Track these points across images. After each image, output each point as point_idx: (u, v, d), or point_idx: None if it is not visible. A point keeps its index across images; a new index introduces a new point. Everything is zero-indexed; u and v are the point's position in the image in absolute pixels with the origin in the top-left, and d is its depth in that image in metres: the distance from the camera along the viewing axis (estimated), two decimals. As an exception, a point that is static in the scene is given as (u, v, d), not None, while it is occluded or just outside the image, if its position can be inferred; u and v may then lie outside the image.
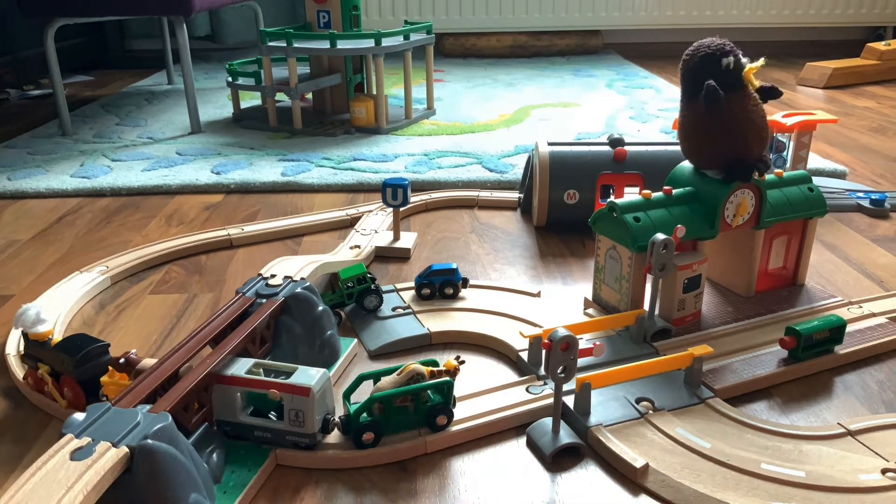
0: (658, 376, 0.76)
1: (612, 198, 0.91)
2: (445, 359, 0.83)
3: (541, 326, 0.86)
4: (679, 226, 0.82)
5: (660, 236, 0.79)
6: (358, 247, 1.10)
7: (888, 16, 3.15)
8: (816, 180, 1.14)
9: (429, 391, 0.69)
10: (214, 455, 0.64)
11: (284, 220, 1.24)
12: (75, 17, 1.75)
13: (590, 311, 0.92)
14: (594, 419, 0.70)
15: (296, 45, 1.72)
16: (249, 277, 0.90)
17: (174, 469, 0.54)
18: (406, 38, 1.82)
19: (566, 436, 0.68)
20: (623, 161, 1.15)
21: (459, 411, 0.71)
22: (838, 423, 0.70)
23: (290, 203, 1.36)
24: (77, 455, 0.52)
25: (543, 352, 0.76)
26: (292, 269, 0.86)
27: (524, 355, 0.81)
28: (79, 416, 0.56)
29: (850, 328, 0.85)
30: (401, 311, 0.92)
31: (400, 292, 0.97)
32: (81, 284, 1.00)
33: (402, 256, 1.12)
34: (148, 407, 0.58)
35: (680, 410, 0.72)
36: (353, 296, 0.91)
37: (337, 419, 0.68)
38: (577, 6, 3.04)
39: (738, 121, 0.83)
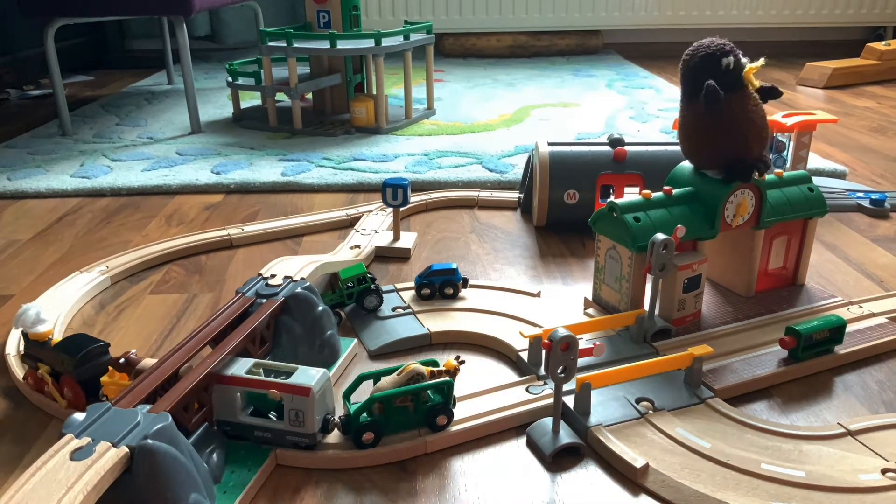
0: (658, 376, 0.76)
1: (612, 198, 0.91)
2: (445, 359, 0.83)
3: (541, 326, 0.86)
4: (679, 226, 0.82)
5: (660, 236, 0.79)
6: (358, 247, 1.10)
7: (888, 16, 3.15)
8: (816, 180, 1.14)
9: (429, 391, 0.69)
10: (214, 455, 0.64)
11: (284, 220, 1.24)
12: (75, 17, 1.75)
13: (590, 311, 0.92)
14: (594, 419, 0.70)
15: (296, 45, 1.72)
16: (249, 277, 0.90)
17: (174, 469, 0.54)
18: (406, 38, 1.82)
19: (566, 436, 0.68)
20: (623, 161, 1.15)
21: (459, 411, 0.71)
22: (838, 423, 0.70)
23: (290, 203, 1.36)
24: (77, 455, 0.52)
25: (543, 352, 0.76)
26: (292, 269, 0.86)
27: (524, 355, 0.81)
28: (79, 416, 0.56)
29: (850, 328, 0.85)
30: (401, 311, 0.92)
31: (400, 292, 0.97)
32: (81, 284, 1.00)
33: (402, 256, 1.12)
34: (148, 407, 0.58)
35: (680, 410, 0.72)
36: (353, 296, 0.91)
37: (337, 419, 0.68)
38: (577, 6, 3.04)
39: (738, 121, 0.83)
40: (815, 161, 1.52)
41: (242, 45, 3.23)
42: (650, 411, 0.71)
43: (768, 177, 0.90)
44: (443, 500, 0.63)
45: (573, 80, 2.52)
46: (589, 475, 0.66)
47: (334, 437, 0.68)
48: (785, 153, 1.34)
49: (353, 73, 1.92)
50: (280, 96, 1.94)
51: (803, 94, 2.31)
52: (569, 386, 0.71)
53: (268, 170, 1.51)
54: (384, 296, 0.94)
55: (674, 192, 0.88)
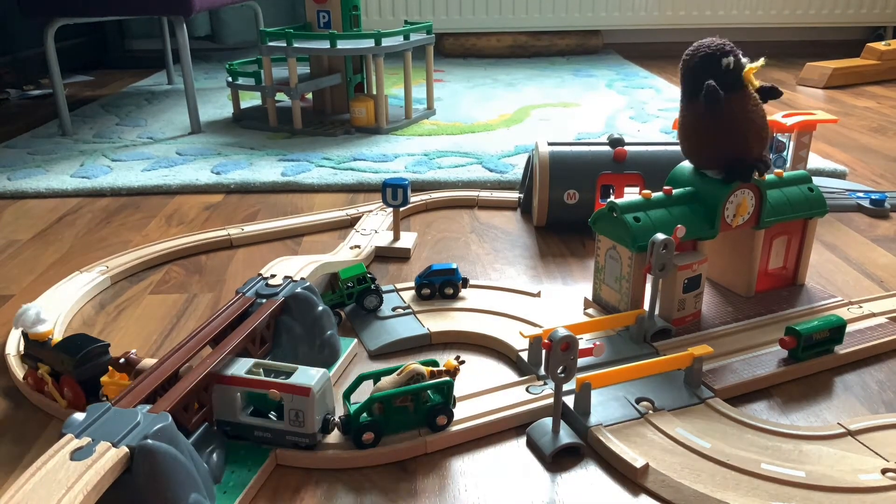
0: (658, 376, 0.76)
1: (612, 198, 0.91)
2: (445, 359, 0.83)
3: (541, 326, 0.86)
4: (679, 226, 0.82)
5: (660, 236, 0.79)
6: (358, 247, 1.10)
7: (888, 16, 3.15)
8: (816, 180, 1.14)
9: (429, 391, 0.69)
10: (214, 455, 0.64)
11: (284, 220, 1.24)
12: (75, 17, 1.75)
13: (590, 311, 0.92)
14: (594, 419, 0.70)
15: (296, 45, 1.72)
16: (249, 277, 0.90)
17: (174, 469, 0.54)
18: (406, 38, 1.82)
19: (566, 436, 0.68)
20: (623, 161, 1.15)
21: (459, 411, 0.71)
22: (838, 423, 0.70)
23: (290, 203, 1.36)
24: (77, 455, 0.52)
25: (543, 352, 0.76)
26: (292, 269, 0.86)
27: (524, 355, 0.81)
28: (79, 416, 0.56)
29: (850, 328, 0.85)
30: (401, 311, 0.92)
31: (400, 292, 0.97)
32: (81, 284, 1.00)
33: (402, 256, 1.12)
34: (148, 407, 0.58)
35: (680, 410, 0.72)
36: (353, 296, 0.91)
37: (337, 419, 0.68)
38: (577, 6, 3.04)
39: (738, 121, 0.83)
40: (815, 161, 1.52)
41: (242, 45, 3.23)
42: (650, 411, 0.71)
43: (768, 177, 0.90)
44: (443, 500, 0.63)
45: (573, 80, 2.52)
46: (589, 475, 0.66)
47: (334, 437, 0.68)
48: (785, 153, 1.34)
49: (353, 73, 1.92)
50: (280, 96, 1.94)
51: (803, 94, 2.31)
52: (569, 386, 0.71)
53: (268, 170, 1.51)
54: (384, 296, 0.94)
55: (674, 192, 0.88)
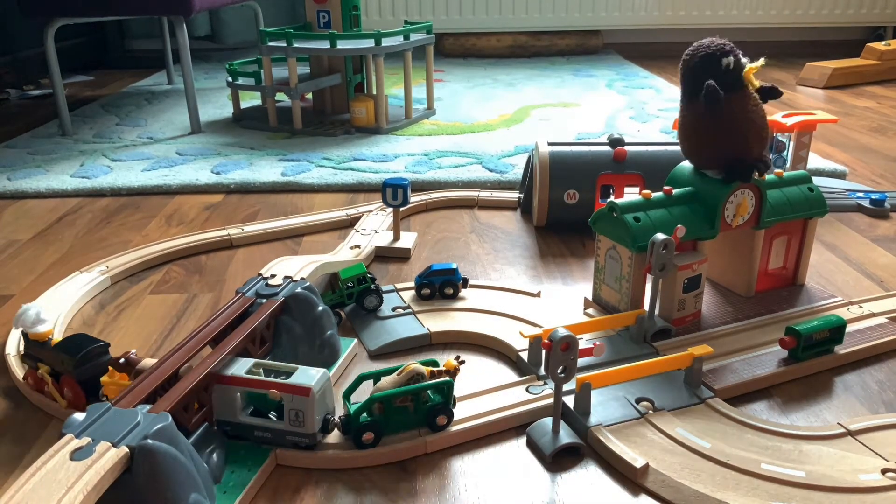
0: (658, 376, 0.76)
1: (612, 198, 0.91)
2: (445, 359, 0.83)
3: (541, 326, 0.86)
4: (679, 226, 0.82)
5: (660, 236, 0.79)
6: (358, 247, 1.10)
7: (888, 16, 3.15)
8: (816, 180, 1.14)
9: (429, 391, 0.69)
10: (214, 455, 0.64)
11: (284, 220, 1.24)
12: (75, 17, 1.75)
13: (590, 311, 0.92)
14: (594, 419, 0.70)
15: (296, 45, 1.72)
16: (249, 277, 0.90)
17: (174, 469, 0.54)
18: (406, 38, 1.82)
19: (566, 436, 0.68)
20: (623, 161, 1.15)
21: (459, 411, 0.71)
22: (838, 423, 0.70)
23: (290, 203, 1.36)
24: (77, 455, 0.52)
25: (543, 352, 0.76)
26: (292, 269, 0.86)
27: (524, 355, 0.81)
28: (79, 416, 0.56)
29: (850, 328, 0.85)
30: (401, 311, 0.92)
31: (400, 292, 0.97)
32: (81, 284, 1.00)
33: (402, 256, 1.12)
34: (148, 407, 0.58)
35: (680, 410, 0.72)
36: (353, 296, 0.91)
37: (337, 419, 0.68)
38: (577, 6, 3.04)
39: (738, 121, 0.83)
40: (815, 161, 1.52)
41: (242, 45, 3.23)
42: (650, 411, 0.71)
43: (768, 177, 0.90)
44: (443, 500, 0.63)
45: (573, 80, 2.52)
46: (589, 475, 0.66)
47: (334, 437, 0.68)
48: (785, 153, 1.34)
49: (353, 73, 1.92)
50: (280, 96, 1.94)
51: (803, 94, 2.31)
52: (569, 386, 0.71)
53: (268, 170, 1.51)
54: (384, 296, 0.94)
55: (674, 192, 0.88)
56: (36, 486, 0.49)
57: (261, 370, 0.68)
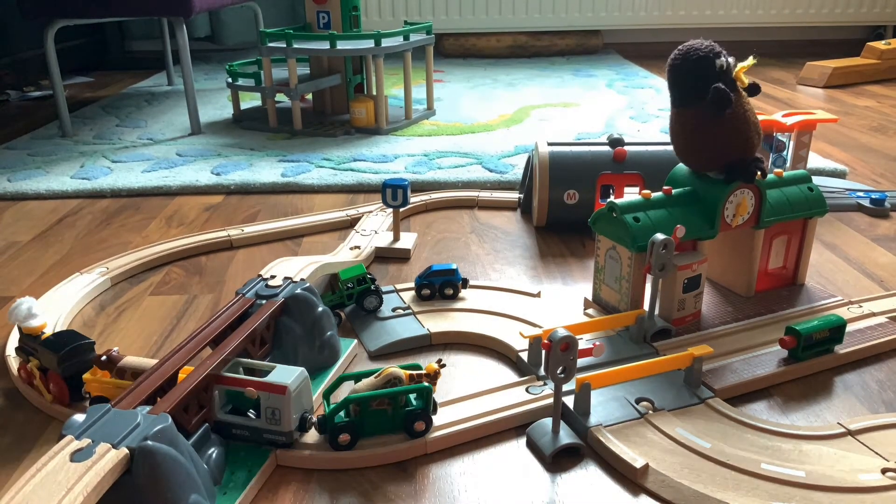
0: (658, 376, 0.76)
1: (611, 198, 0.91)
2: (446, 360, 0.83)
3: (541, 327, 0.86)
4: (679, 226, 0.82)
5: (659, 236, 0.79)
6: (358, 247, 1.11)
7: (888, 15, 3.15)
8: (816, 180, 1.14)
9: (410, 395, 0.68)
10: (214, 456, 0.64)
11: (284, 220, 1.24)
12: (75, 18, 1.75)
13: (590, 311, 0.92)
14: (594, 419, 0.70)
15: (295, 45, 1.73)
16: (249, 278, 0.90)
17: (174, 470, 0.54)
18: (406, 38, 1.82)
19: (566, 436, 0.68)
20: (623, 161, 1.15)
21: (460, 411, 0.71)
22: (838, 423, 0.70)
23: (290, 204, 1.36)
24: (77, 456, 0.52)
25: (543, 352, 0.76)
26: (292, 269, 0.86)
27: (524, 356, 0.81)
28: (79, 417, 0.56)
29: (850, 328, 0.85)
30: (401, 311, 0.92)
31: (400, 293, 0.97)
32: (82, 286, 1.00)
33: (402, 257, 1.12)
34: (148, 408, 0.59)
35: (680, 410, 0.72)
36: (353, 296, 0.91)
37: (314, 418, 0.68)
38: (577, 6, 3.04)
39: (739, 121, 0.83)
40: (815, 160, 1.52)
41: (242, 46, 3.23)
42: (650, 411, 0.71)
43: (768, 176, 0.90)
44: (443, 500, 0.63)
45: (573, 80, 2.52)
46: (589, 475, 0.66)
47: (318, 437, 0.68)
48: (785, 153, 1.34)
49: (352, 74, 1.92)
50: (280, 97, 1.94)
51: (803, 93, 2.31)
52: (569, 386, 0.71)
53: (268, 171, 1.51)
54: (384, 296, 0.94)
55: (673, 192, 0.88)
56: (36, 488, 0.49)
57: (240, 368, 0.68)
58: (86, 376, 0.71)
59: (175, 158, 1.62)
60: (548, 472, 0.66)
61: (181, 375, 0.66)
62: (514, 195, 1.36)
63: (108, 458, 0.52)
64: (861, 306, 0.91)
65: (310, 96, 2.03)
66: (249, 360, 0.70)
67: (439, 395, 0.75)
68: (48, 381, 0.74)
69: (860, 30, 3.35)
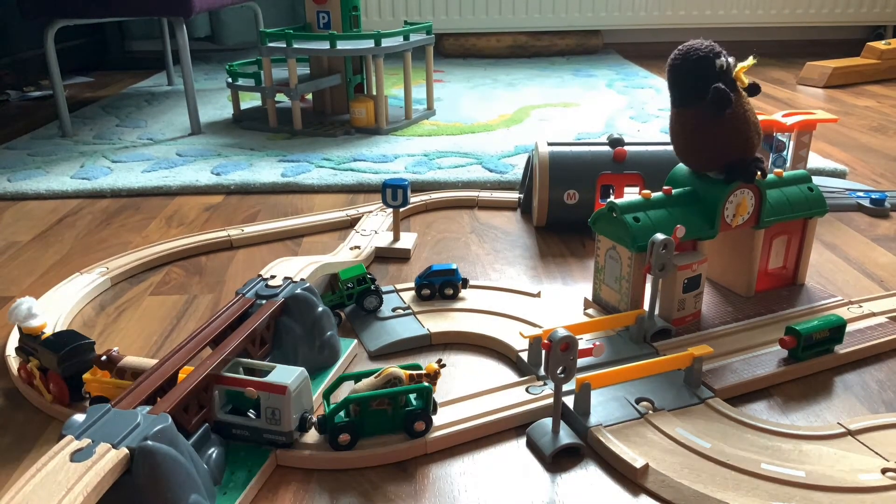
0: (658, 376, 0.76)
1: (611, 198, 0.91)
2: (446, 360, 0.83)
3: (541, 327, 0.86)
4: (679, 226, 0.82)
5: (659, 236, 0.79)
6: (358, 247, 1.11)
7: (888, 15, 3.15)
8: (816, 180, 1.14)
9: (410, 396, 0.68)
10: (214, 456, 0.64)
11: (284, 220, 1.24)
12: (75, 18, 1.75)
13: (590, 311, 0.92)
14: (594, 419, 0.70)
15: (295, 45, 1.73)
16: (249, 278, 0.90)
17: (174, 470, 0.54)
18: (406, 38, 1.82)
19: (566, 436, 0.68)
20: (623, 161, 1.15)
21: (459, 411, 0.71)
22: (838, 423, 0.70)
23: (290, 204, 1.36)
24: (77, 456, 0.52)
25: (543, 352, 0.76)
26: (292, 269, 0.86)
27: (524, 356, 0.81)
28: (79, 417, 0.56)
29: (850, 328, 0.85)
30: (401, 311, 0.92)
31: (400, 293, 0.97)
32: (82, 286, 1.00)
33: (402, 257, 1.12)
34: (148, 408, 0.59)
35: (680, 410, 0.72)
36: (353, 296, 0.91)
37: (314, 418, 0.68)
38: (577, 6, 3.04)
39: (740, 121, 0.83)
40: (815, 160, 1.52)
41: (242, 46, 3.23)
42: (650, 411, 0.71)
43: (768, 176, 0.90)
44: (443, 500, 0.63)
45: (573, 80, 2.52)
46: (589, 475, 0.66)
47: (319, 437, 0.68)
48: (785, 153, 1.34)
49: (352, 74, 1.92)
50: (280, 97, 1.94)
51: (803, 93, 2.31)
52: (569, 386, 0.71)
53: (268, 171, 1.51)
54: (384, 296, 0.94)
55: (673, 192, 0.88)
56: (36, 488, 0.49)
57: (240, 368, 0.68)
58: (86, 376, 0.71)
59: (175, 158, 1.62)
60: (548, 472, 0.66)
61: (181, 375, 0.66)
62: (514, 195, 1.36)
63: (108, 458, 0.52)
64: (861, 306, 0.91)
65: (310, 96, 2.03)
66: (249, 360, 0.70)
67: (439, 395, 0.75)
68: (48, 381, 0.74)
69: (860, 30, 3.35)
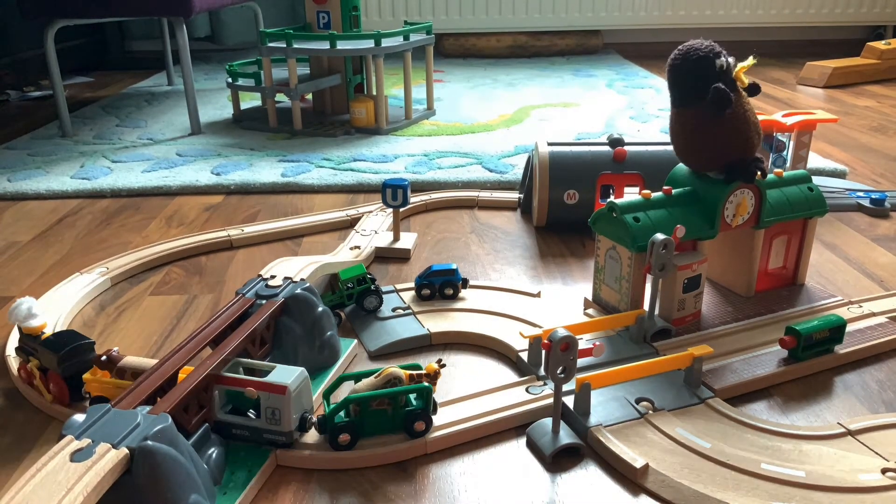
0: (658, 376, 0.76)
1: (611, 198, 0.91)
2: (446, 360, 0.83)
3: (541, 327, 0.86)
4: (679, 226, 0.82)
5: (659, 236, 0.79)
6: (358, 247, 1.11)
7: (888, 15, 3.15)
8: (816, 180, 1.14)
9: (410, 396, 0.68)
10: (214, 456, 0.64)
11: (284, 220, 1.24)
12: (75, 18, 1.75)
13: (590, 311, 0.92)
14: (594, 419, 0.70)
15: (295, 45, 1.73)
16: (249, 278, 0.90)
17: (174, 470, 0.54)
18: (406, 38, 1.82)
19: (566, 436, 0.68)
20: (623, 161, 1.15)
21: (459, 411, 0.71)
22: (838, 423, 0.70)
23: (290, 204, 1.36)
24: (77, 456, 0.52)
25: (543, 352, 0.76)
26: (292, 269, 0.86)
27: (524, 356, 0.81)
28: (79, 417, 0.56)
29: (850, 328, 0.85)
30: (401, 311, 0.92)
31: (400, 293, 0.97)
32: (82, 286, 1.00)
33: (402, 257, 1.12)
34: (148, 408, 0.59)
35: (680, 410, 0.72)
36: (353, 296, 0.91)
37: (314, 418, 0.68)
38: (577, 6, 3.04)
39: (740, 121, 0.83)
40: (815, 160, 1.52)
41: (242, 46, 3.23)
42: (650, 411, 0.71)
43: (768, 176, 0.90)
44: (443, 501, 0.63)
45: (573, 80, 2.52)
46: (589, 475, 0.66)
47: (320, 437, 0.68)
48: (785, 153, 1.34)
49: (352, 74, 1.92)
50: (280, 97, 1.94)
51: (803, 93, 2.31)
52: (569, 386, 0.71)
53: (268, 171, 1.51)
54: (384, 296, 0.94)
55: (673, 192, 0.88)
56: (36, 488, 0.49)
57: (240, 368, 0.68)
58: (86, 376, 0.71)
59: (175, 158, 1.62)
60: (548, 472, 0.66)
61: (181, 375, 0.66)
62: (514, 195, 1.36)
63: (108, 458, 0.52)
64: (861, 306, 0.91)
65: (310, 96, 2.03)
66: (249, 360, 0.70)
67: (439, 395, 0.75)
68: (48, 381, 0.74)
69: (860, 30, 3.35)
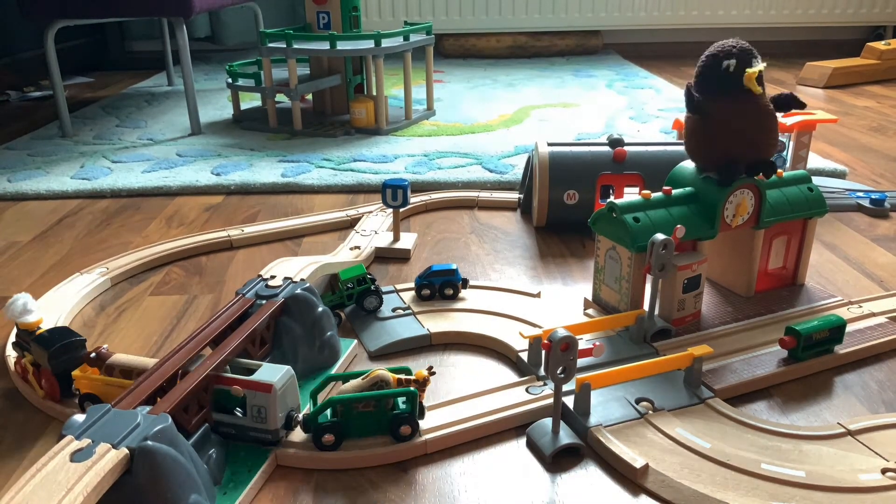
0: (658, 376, 0.76)
1: (611, 198, 0.91)
2: (446, 360, 0.83)
3: (541, 327, 0.86)
4: (679, 226, 0.82)
5: (659, 236, 0.79)
6: (358, 248, 1.11)
7: (888, 15, 3.15)
8: (816, 180, 1.14)
9: (398, 399, 0.68)
10: (214, 456, 0.64)
11: (284, 221, 1.24)
12: (75, 18, 1.75)
13: (590, 311, 0.92)
14: (594, 419, 0.70)
15: (295, 46, 1.73)
16: (249, 279, 0.90)
17: (174, 470, 0.54)
18: (406, 38, 1.82)
19: (566, 436, 0.68)
20: (623, 161, 1.15)
21: (459, 411, 0.71)
22: (838, 423, 0.70)
23: (290, 204, 1.36)
24: (77, 456, 0.52)
25: (543, 352, 0.76)
26: (292, 270, 0.86)
27: (524, 356, 0.81)
28: (79, 417, 0.56)
29: (850, 328, 0.85)
30: (401, 311, 0.92)
31: (400, 293, 0.97)
32: (82, 286, 1.00)
33: (401, 257, 1.12)
34: (148, 408, 0.59)
35: (680, 410, 0.72)
36: (353, 297, 0.91)
37: (300, 417, 0.68)
38: (577, 6, 3.04)
39: (728, 123, 0.83)
40: (815, 161, 1.52)
41: (242, 47, 3.23)
42: (650, 411, 0.71)
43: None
44: (442, 501, 0.63)
45: (573, 80, 2.52)
46: (589, 475, 0.66)
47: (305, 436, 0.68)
48: (785, 153, 1.34)
49: (352, 74, 1.92)
50: (280, 97, 1.94)
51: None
52: (569, 386, 0.71)
53: (268, 171, 1.51)
54: (384, 296, 0.94)
55: (673, 192, 0.88)
56: (36, 488, 0.49)
57: (226, 366, 0.68)
58: (75, 373, 0.71)
59: (175, 158, 1.63)
60: (548, 473, 0.66)
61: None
62: (514, 195, 1.36)
63: (108, 459, 0.52)
64: (861, 306, 0.91)
65: (310, 96, 2.03)
66: (238, 359, 0.70)
67: (439, 395, 0.75)
68: (40, 376, 0.75)
69: (860, 30, 3.35)
